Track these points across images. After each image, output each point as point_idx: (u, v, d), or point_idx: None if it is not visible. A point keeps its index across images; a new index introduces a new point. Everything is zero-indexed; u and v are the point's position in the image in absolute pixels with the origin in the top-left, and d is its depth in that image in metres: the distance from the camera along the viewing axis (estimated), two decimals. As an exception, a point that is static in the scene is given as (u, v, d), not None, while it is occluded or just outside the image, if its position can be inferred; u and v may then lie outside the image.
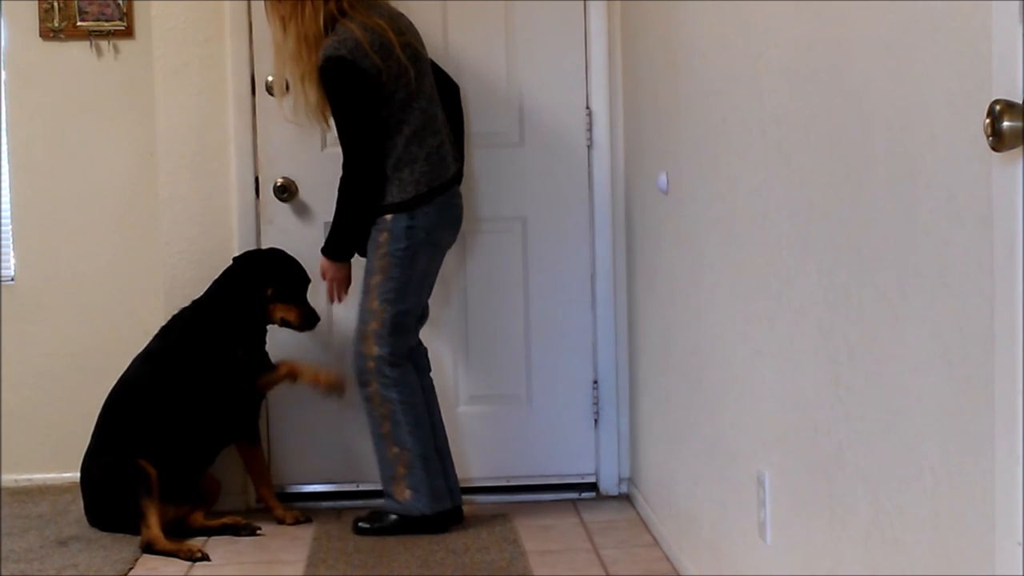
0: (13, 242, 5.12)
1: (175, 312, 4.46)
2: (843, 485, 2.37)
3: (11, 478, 5.06)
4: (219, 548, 4.18)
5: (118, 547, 4.16)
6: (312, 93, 4.15)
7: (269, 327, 4.45)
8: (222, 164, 4.66)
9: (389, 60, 4.10)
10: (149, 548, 4.10)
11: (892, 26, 2.07)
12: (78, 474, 4.42)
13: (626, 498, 4.69)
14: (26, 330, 5.09)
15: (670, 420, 3.93)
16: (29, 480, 5.08)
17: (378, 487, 4.39)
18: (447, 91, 4.38)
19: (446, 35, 4.65)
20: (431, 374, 4.38)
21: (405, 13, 4.30)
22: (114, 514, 4.28)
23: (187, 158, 4.65)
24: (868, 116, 2.18)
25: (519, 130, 4.71)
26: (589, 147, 4.71)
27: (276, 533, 4.34)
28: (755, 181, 2.88)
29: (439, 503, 4.23)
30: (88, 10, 5.01)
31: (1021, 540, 1.65)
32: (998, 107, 1.60)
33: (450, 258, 4.41)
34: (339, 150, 4.19)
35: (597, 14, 4.67)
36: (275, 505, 4.48)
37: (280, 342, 4.52)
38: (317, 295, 4.44)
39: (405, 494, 4.21)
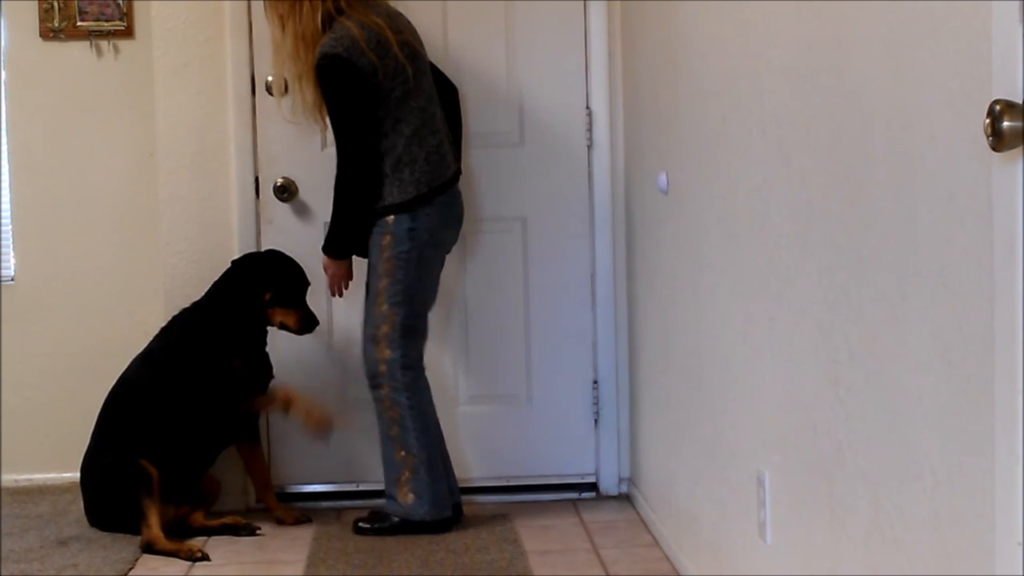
0: (13, 242, 5.12)
1: (175, 313, 4.45)
2: (843, 485, 2.37)
3: (11, 478, 5.06)
4: (219, 548, 4.18)
5: (118, 547, 4.16)
6: (309, 92, 4.15)
7: (269, 328, 4.45)
8: (222, 164, 4.66)
9: (386, 58, 4.10)
10: (149, 548, 4.10)
11: (892, 26, 2.07)
12: (78, 474, 4.42)
13: (626, 498, 4.69)
14: (26, 330, 5.09)
15: (670, 420, 3.93)
16: (29, 480, 5.08)
17: (378, 487, 4.39)
18: (446, 93, 4.39)
19: (446, 35, 4.65)
20: (426, 373, 4.38)
21: (405, 13, 4.30)
22: (114, 514, 4.28)
23: (187, 158, 4.65)
24: (868, 116, 2.18)
25: (519, 130, 4.71)
26: (589, 147, 4.71)
27: (276, 533, 4.34)
28: (755, 181, 2.88)
29: (441, 510, 4.23)
30: (88, 10, 5.01)
31: (1021, 540, 1.65)
32: (998, 107, 1.60)
33: (450, 258, 4.41)
34: (339, 150, 4.19)
35: (597, 14, 4.67)
36: (275, 505, 4.48)
37: (280, 341, 4.52)
38: (316, 297, 4.43)
39: (408, 498, 4.21)
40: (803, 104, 2.53)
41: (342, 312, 4.55)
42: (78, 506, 4.50)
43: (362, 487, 4.64)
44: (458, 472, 4.55)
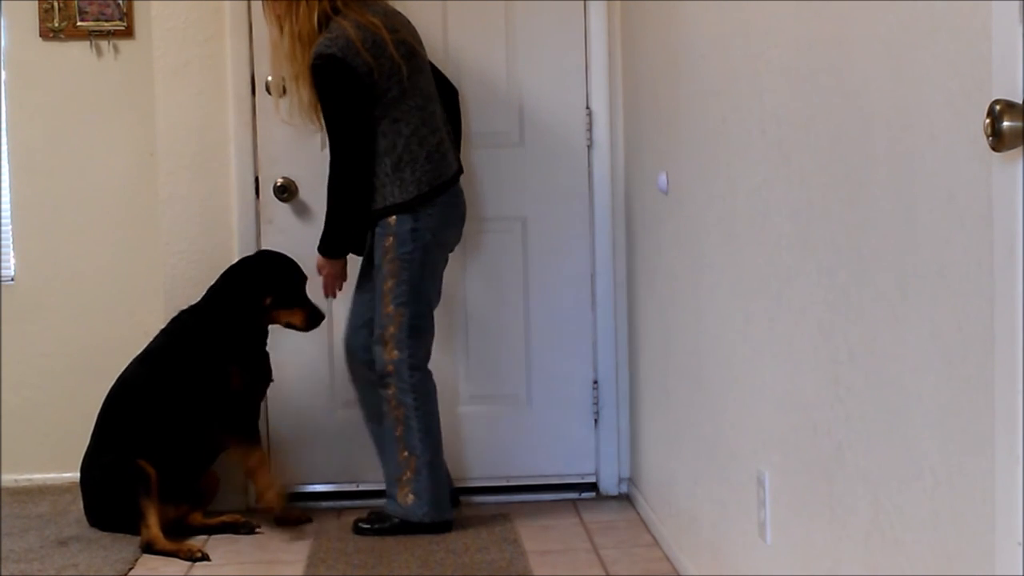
0: (13, 242, 5.12)
1: (174, 314, 4.44)
2: (843, 485, 2.37)
3: (11, 478, 5.06)
4: (219, 548, 4.18)
5: (118, 547, 4.16)
6: (305, 92, 4.16)
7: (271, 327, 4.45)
8: (222, 164, 4.66)
9: (381, 58, 4.10)
10: (149, 548, 4.10)
11: (892, 26, 2.07)
12: (78, 474, 4.42)
13: (626, 498, 4.69)
14: (26, 330, 5.09)
15: (670, 420, 3.93)
16: (29, 480, 5.08)
17: (378, 487, 4.39)
18: (446, 95, 4.39)
19: (446, 35, 4.65)
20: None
21: (405, 13, 4.30)
22: (114, 514, 4.28)
23: (187, 158, 4.65)
24: (868, 116, 2.18)
25: (519, 130, 4.71)
26: (589, 147, 4.71)
27: (276, 533, 4.34)
28: (755, 181, 2.88)
29: (440, 512, 4.23)
30: (88, 10, 5.01)
31: (1021, 540, 1.65)
32: (998, 107, 1.60)
33: (450, 258, 4.41)
34: (339, 150, 4.19)
35: (597, 14, 4.67)
36: (277, 505, 4.47)
37: (280, 341, 4.52)
38: (315, 295, 4.43)
39: (408, 499, 4.21)
40: (803, 104, 2.53)
41: (342, 311, 4.54)
42: (78, 506, 4.50)
43: (362, 487, 4.64)
44: (458, 472, 4.56)
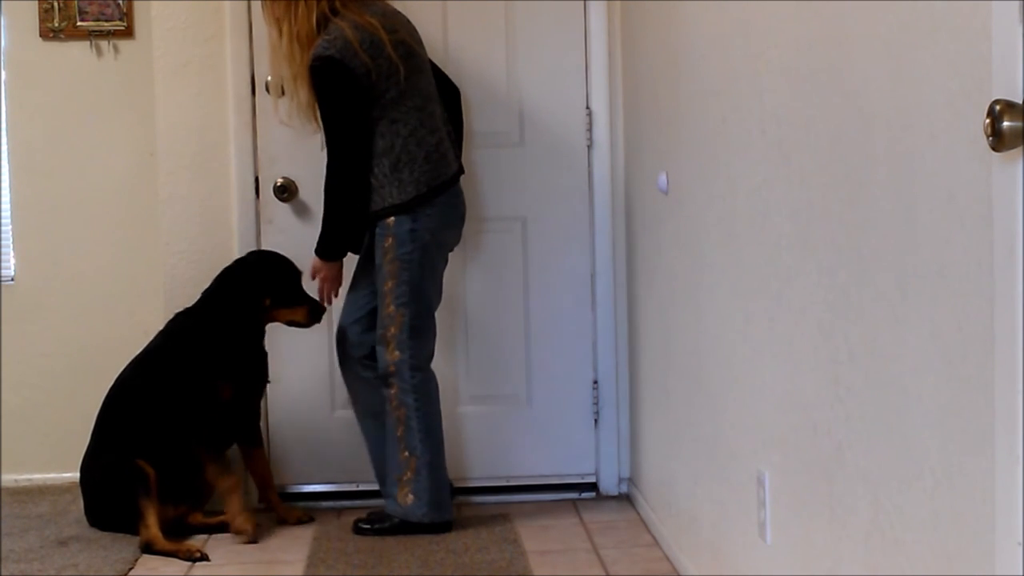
0: (13, 242, 5.12)
1: (175, 314, 4.43)
2: (843, 485, 2.37)
3: (11, 478, 5.06)
4: (219, 548, 4.18)
5: (118, 547, 4.16)
6: (304, 93, 4.16)
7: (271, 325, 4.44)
8: (222, 164, 4.66)
9: (379, 59, 4.10)
10: (148, 548, 4.10)
11: (892, 26, 2.07)
12: (78, 474, 4.42)
13: (626, 498, 4.69)
14: (26, 330, 5.09)
15: (670, 420, 3.93)
16: (29, 480, 5.08)
17: (378, 487, 4.39)
18: (447, 94, 4.38)
19: (446, 35, 4.65)
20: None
21: (405, 13, 4.30)
22: (114, 514, 4.28)
23: (187, 158, 4.65)
24: (868, 116, 2.18)
25: (519, 130, 4.71)
26: (589, 147, 4.71)
27: (276, 533, 4.34)
28: (755, 181, 2.88)
29: (440, 513, 4.23)
30: (88, 10, 5.01)
31: (1021, 540, 1.65)
32: (998, 107, 1.60)
33: (450, 258, 4.41)
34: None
35: (597, 14, 4.67)
36: (278, 505, 4.48)
37: (279, 340, 4.52)
38: (309, 287, 4.41)
39: (408, 499, 4.21)
40: (803, 104, 2.53)
41: (339, 304, 4.53)
42: (78, 506, 4.50)
43: (362, 487, 4.64)
44: (458, 472, 4.56)
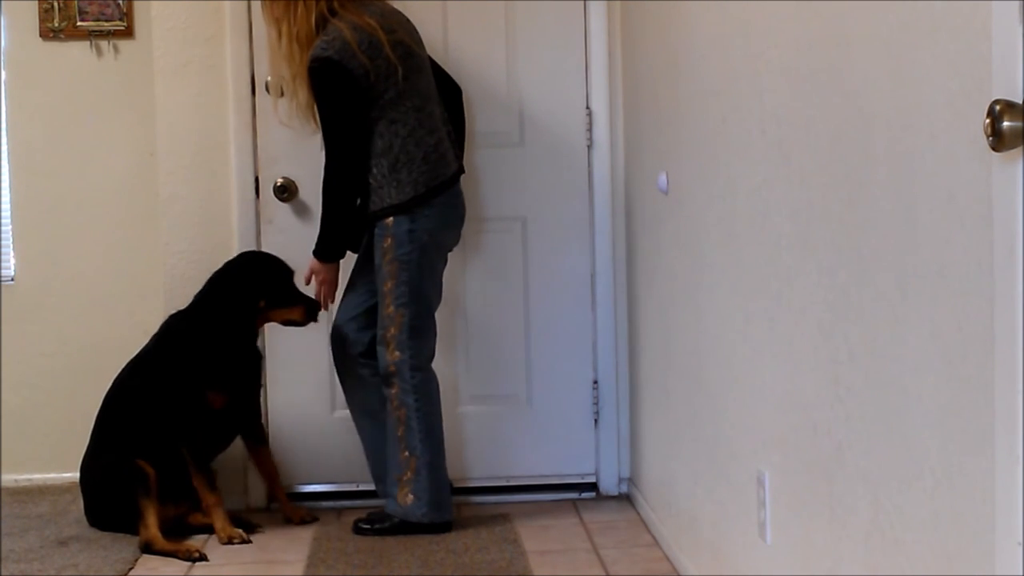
0: (13, 242, 5.12)
1: (168, 315, 4.42)
2: (843, 485, 2.37)
3: (11, 478, 5.06)
4: (219, 548, 4.18)
5: (118, 547, 4.16)
6: (302, 93, 4.16)
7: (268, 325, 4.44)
8: (222, 164, 4.66)
9: (377, 59, 4.10)
10: (148, 548, 4.10)
11: (892, 26, 2.07)
12: (78, 474, 4.42)
13: (626, 498, 4.69)
14: (26, 330, 5.09)
15: (670, 420, 3.93)
16: (29, 480, 5.08)
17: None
18: (449, 93, 4.38)
19: (446, 35, 4.65)
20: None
21: (405, 13, 4.30)
22: (114, 514, 4.28)
23: (187, 158, 4.65)
24: (868, 116, 2.18)
25: (519, 130, 4.71)
26: (589, 147, 4.71)
27: (276, 533, 4.34)
28: (755, 181, 2.88)
29: (439, 513, 4.23)
30: (88, 10, 5.01)
31: (1021, 540, 1.65)
32: (998, 107, 1.60)
33: (450, 258, 4.41)
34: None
35: (597, 14, 4.67)
36: (285, 503, 4.48)
37: (277, 340, 4.52)
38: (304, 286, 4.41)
39: (408, 499, 4.21)
40: (803, 104, 2.53)
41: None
42: (78, 506, 4.50)
43: (362, 487, 4.63)
44: (458, 472, 4.56)
